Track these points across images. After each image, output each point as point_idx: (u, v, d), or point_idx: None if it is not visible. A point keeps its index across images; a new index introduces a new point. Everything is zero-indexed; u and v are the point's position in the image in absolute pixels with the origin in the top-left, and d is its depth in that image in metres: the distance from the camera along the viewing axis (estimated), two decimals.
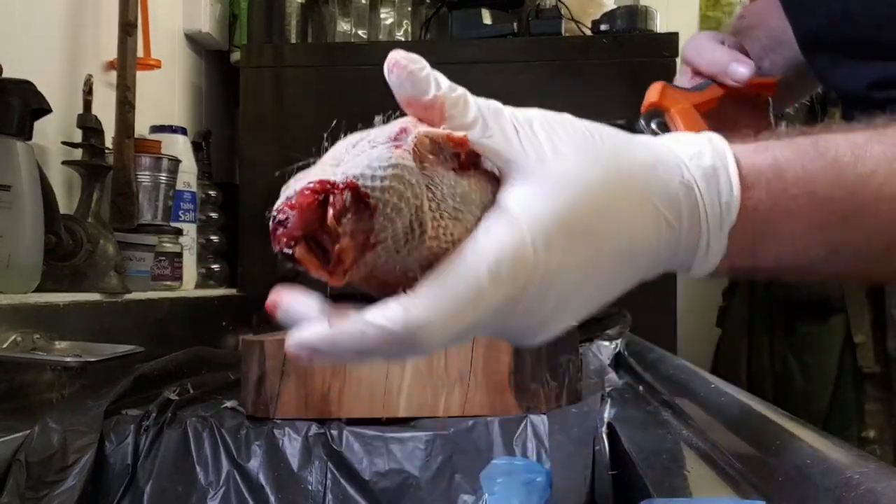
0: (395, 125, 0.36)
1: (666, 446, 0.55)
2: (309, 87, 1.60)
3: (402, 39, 1.78)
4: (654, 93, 0.71)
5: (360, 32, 1.77)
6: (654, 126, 0.68)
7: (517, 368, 0.69)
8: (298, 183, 0.33)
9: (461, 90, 0.36)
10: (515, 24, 1.66)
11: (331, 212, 0.32)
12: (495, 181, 0.36)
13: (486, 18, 1.66)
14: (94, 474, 0.66)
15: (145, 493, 0.67)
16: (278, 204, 0.34)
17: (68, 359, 0.81)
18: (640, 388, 0.83)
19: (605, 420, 0.63)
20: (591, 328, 1.31)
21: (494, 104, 0.36)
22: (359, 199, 0.32)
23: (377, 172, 0.32)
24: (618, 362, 1.03)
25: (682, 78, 0.77)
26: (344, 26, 1.76)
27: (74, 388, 0.82)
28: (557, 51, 1.59)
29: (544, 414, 0.67)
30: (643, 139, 0.39)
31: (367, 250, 0.33)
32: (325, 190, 0.32)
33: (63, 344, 0.88)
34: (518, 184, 0.35)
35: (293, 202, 0.33)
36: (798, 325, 2.10)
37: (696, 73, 0.76)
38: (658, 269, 0.39)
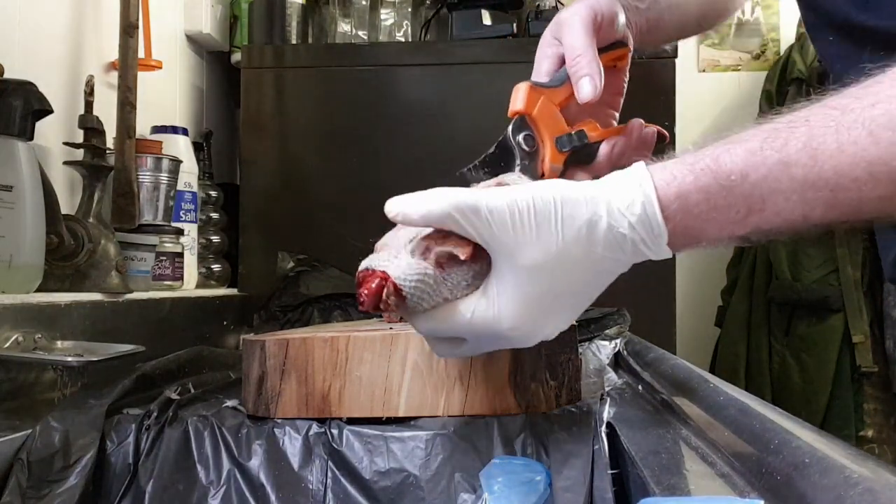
0: (424, 241, 0.55)
1: (665, 445, 0.56)
2: (309, 87, 1.60)
3: (402, 40, 1.78)
4: (519, 98, 0.71)
5: (360, 33, 1.77)
6: (522, 143, 0.69)
7: (517, 368, 0.69)
8: (374, 261, 0.55)
9: (446, 207, 0.52)
10: (515, 25, 1.67)
11: (385, 292, 0.53)
12: None
13: (486, 19, 1.66)
14: (95, 473, 0.66)
15: (146, 492, 0.67)
16: (362, 268, 0.55)
17: (70, 358, 0.81)
18: (640, 387, 0.83)
19: (605, 419, 0.64)
20: (591, 328, 1.31)
21: (473, 205, 0.52)
22: (398, 291, 0.53)
23: (409, 278, 0.53)
24: (617, 362, 1.03)
25: (547, 52, 0.75)
26: (344, 27, 1.76)
27: (76, 388, 0.83)
28: None
29: (544, 413, 0.67)
30: (586, 194, 0.52)
31: (405, 312, 0.56)
32: (384, 278, 0.53)
33: (65, 343, 0.88)
34: (496, 271, 0.54)
35: (364, 289, 0.54)
36: (796, 324, 2.10)
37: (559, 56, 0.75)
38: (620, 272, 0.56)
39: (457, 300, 0.54)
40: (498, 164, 0.68)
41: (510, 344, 0.57)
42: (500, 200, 0.52)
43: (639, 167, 0.54)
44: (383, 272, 0.53)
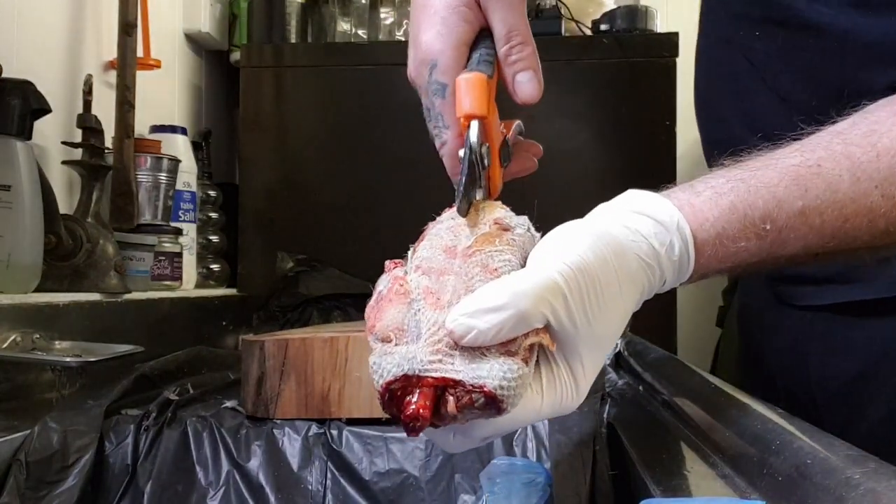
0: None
1: (666, 446, 0.55)
2: (309, 87, 1.60)
3: (403, 39, 1.78)
4: (476, 97, 0.51)
5: (360, 32, 1.77)
6: (485, 161, 0.52)
7: None
8: (410, 364, 0.41)
9: (536, 305, 0.42)
10: None
11: (452, 402, 0.41)
12: None
13: None
14: (93, 474, 0.66)
15: (145, 493, 0.67)
16: (391, 375, 0.41)
17: (68, 359, 0.81)
18: (640, 388, 0.83)
19: (605, 420, 0.63)
20: None
21: (553, 289, 0.42)
22: (496, 400, 0.41)
23: (510, 383, 0.41)
24: (618, 362, 1.03)
25: (463, 13, 0.56)
26: (344, 26, 1.76)
27: (74, 388, 0.82)
28: (557, 51, 1.59)
29: None
30: (624, 234, 0.47)
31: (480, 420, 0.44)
32: (446, 384, 0.41)
33: (63, 344, 0.88)
34: (567, 349, 0.45)
35: (414, 400, 0.41)
36: None
37: (482, 26, 0.57)
38: None
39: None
40: (472, 191, 0.51)
41: None
42: (566, 270, 0.43)
43: (661, 201, 0.49)
44: (442, 378, 0.41)
